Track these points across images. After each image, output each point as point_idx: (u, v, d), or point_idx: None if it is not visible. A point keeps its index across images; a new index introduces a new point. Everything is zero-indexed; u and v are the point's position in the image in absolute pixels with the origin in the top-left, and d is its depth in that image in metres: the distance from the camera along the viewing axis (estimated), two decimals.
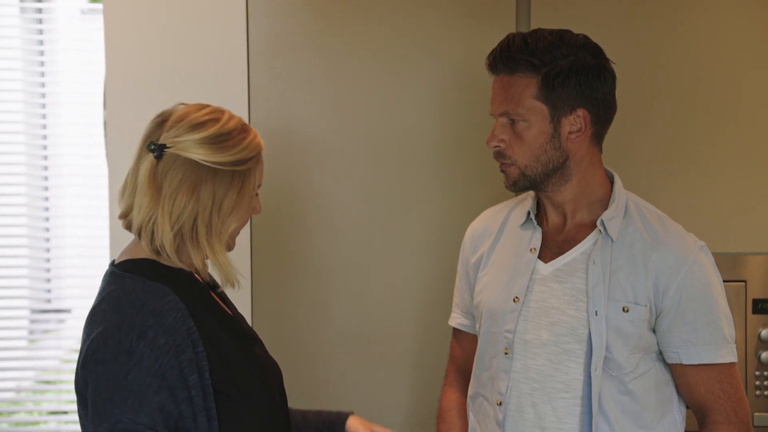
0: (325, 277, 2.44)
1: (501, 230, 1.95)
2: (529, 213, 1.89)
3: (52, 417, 3.36)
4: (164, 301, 1.52)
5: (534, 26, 2.32)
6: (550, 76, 1.73)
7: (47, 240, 3.41)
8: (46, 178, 3.37)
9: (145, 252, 1.59)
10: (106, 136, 2.42)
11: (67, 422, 3.34)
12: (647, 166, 2.36)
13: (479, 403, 1.91)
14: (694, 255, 1.76)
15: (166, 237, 1.55)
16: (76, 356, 3.39)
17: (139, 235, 1.59)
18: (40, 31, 3.30)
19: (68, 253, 3.41)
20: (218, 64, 2.42)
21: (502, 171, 1.82)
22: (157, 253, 1.58)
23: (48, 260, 3.43)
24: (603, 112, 1.79)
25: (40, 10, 3.30)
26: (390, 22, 2.41)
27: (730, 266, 2.28)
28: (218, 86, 2.41)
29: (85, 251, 3.41)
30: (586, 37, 1.79)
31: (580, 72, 1.74)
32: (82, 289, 3.44)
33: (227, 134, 1.58)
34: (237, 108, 2.32)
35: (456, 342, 2.08)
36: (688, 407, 1.85)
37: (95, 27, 3.42)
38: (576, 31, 1.81)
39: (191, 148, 1.56)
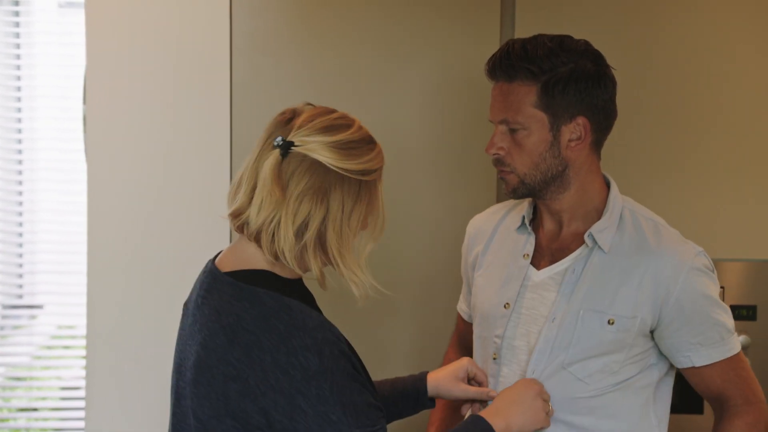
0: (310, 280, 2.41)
1: (494, 231, 1.94)
2: (524, 218, 1.88)
3: (22, 414, 3.32)
4: (314, 316, 1.48)
5: (518, 30, 2.35)
6: (549, 84, 1.71)
7: (20, 235, 3.38)
8: (20, 173, 3.34)
9: (258, 258, 1.51)
10: (85, 131, 2.40)
11: (36, 419, 3.31)
12: (626, 171, 2.29)
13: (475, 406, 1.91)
14: (690, 262, 1.74)
15: (287, 241, 1.47)
16: (47, 352, 3.38)
17: (256, 237, 1.50)
18: (17, 24, 3.28)
19: (41, 248, 3.38)
20: (201, 60, 2.39)
21: (501, 178, 1.80)
22: (276, 257, 1.50)
23: (20, 255, 3.40)
24: (603, 120, 1.77)
25: (17, 3, 3.28)
26: (375, 23, 2.40)
27: None
28: (200, 82, 2.39)
29: (58, 247, 3.38)
30: (586, 43, 1.77)
31: (579, 79, 1.72)
32: (54, 285, 3.42)
33: (357, 142, 1.51)
34: (219, 105, 2.38)
35: (459, 320, 2.10)
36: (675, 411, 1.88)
37: (73, 21, 3.41)
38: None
39: (320, 149, 1.48)
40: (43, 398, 3.37)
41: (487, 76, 1.79)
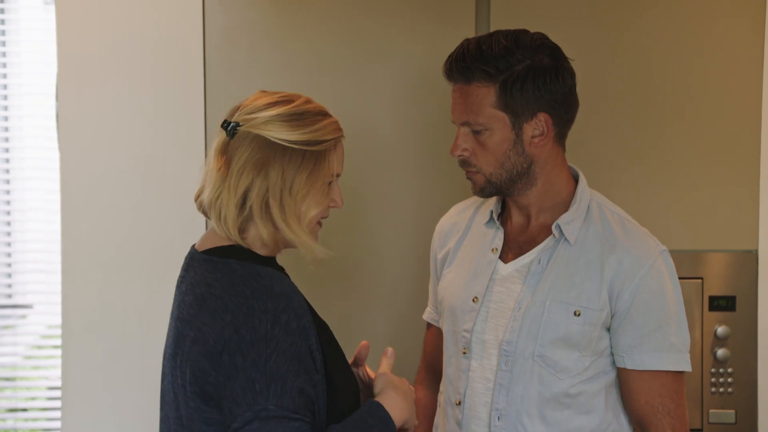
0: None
1: (468, 227, 1.94)
2: (492, 212, 1.88)
3: (10, 414, 3.31)
4: (285, 284, 1.51)
5: (494, 23, 2.35)
6: (507, 84, 1.71)
7: (8, 234, 3.37)
8: (7, 171, 3.33)
9: (222, 236, 1.58)
10: (58, 128, 2.40)
11: (26, 419, 3.29)
12: (603, 161, 2.35)
13: (442, 402, 1.91)
14: (652, 260, 1.73)
15: (230, 214, 1.54)
16: (37, 352, 3.38)
17: (209, 215, 1.59)
18: (2, 21, 3.26)
19: (30, 247, 3.37)
20: (174, 56, 2.39)
21: (469, 178, 1.81)
22: (225, 232, 1.56)
23: (9, 255, 3.38)
24: (564, 113, 1.77)
25: (1, 0, 3.26)
26: (350, 17, 2.39)
27: (687, 263, 2.29)
28: (174, 79, 2.38)
29: (47, 246, 3.37)
30: (542, 37, 1.77)
31: (537, 76, 1.72)
32: (43, 285, 3.40)
33: (301, 114, 1.57)
34: (192, 102, 2.38)
35: (428, 337, 2.07)
36: None
37: None
38: (535, 30, 1.79)
39: (262, 125, 1.55)
40: (33, 398, 3.36)
41: (445, 78, 1.79)
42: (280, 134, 1.54)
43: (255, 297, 1.47)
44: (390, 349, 1.67)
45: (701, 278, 2.31)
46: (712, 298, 2.30)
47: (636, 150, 2.38)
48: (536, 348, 1.73)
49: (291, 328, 1.46)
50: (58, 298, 3.24)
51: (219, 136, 1.58)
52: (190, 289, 1.56)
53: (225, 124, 1.57)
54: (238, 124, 1.56)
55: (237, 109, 1.61)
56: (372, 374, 1.72)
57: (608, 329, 1.75)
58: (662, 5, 2.36)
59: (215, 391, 1.48)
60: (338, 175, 1.63)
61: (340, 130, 1.61)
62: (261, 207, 1.54)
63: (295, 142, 1.54)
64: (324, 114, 1.60)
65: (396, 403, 1.58)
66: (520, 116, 1.73)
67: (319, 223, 1.64)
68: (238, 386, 1.43)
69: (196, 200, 1.63)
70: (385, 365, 1.67)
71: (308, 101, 1.60)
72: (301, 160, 1.55)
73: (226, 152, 1.56)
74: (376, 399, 1.58)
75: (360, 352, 1.74)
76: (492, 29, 2.25)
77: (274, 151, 1.54)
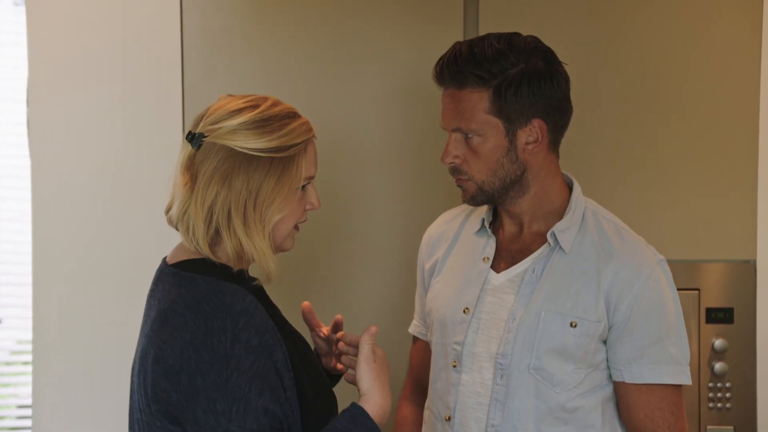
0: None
1: (457, 236, 1.91)
2: (483, 220, 1.86)
3: None
4: (247, 302, 1.48)
5: (483, 25, 2.33)
6: (501, 89, 1.69)
7: None
8: None
9: (191, 249, 1.56)
10: (29, 135, 2.34)
11: None
12: (597, 168, 2.33)
13: (428, 417, 1.88)
14: (650, 269, 1.71)
15: (198, 229, 1.52)
16: (6, 369, 3.29)
17: (179, 230, 1.57)
18: None
19: (1, 259, 3.30)
20: (150, 60, 2.33)
21: (459, 186, 1.79)
22: (196, 248, 1.55)
23: None
24: (559, 118, 1.75)
25: None
26: (333, 19, 2.35)
27: (683, 274, 2.27)
28: (151, 83, 2.34)
29: (17, 257, 3.30)
30: (536, 40, 1.75)
31: (531, 80, 1.70)
32: (13, 298, 3.32)
33: (266, 120, 1.53)
34: (170, 106, 2.35)
35: (414, 351, 2.05)
36: None
37: None
38: (525, 32, 1.78)
39: (227, 134, 1.51)
40: (1, 417, 3.28)
41: (435, 82, 1.77)
42: (246, 143, 1.51)
43: (215, 315, 1.45)
44: (374, 328, 1.62)
45: (698, 289, 2.28)
46: (709, 310, 2.28)
47: (629, 157, 2.34)
48: (532, 360, 1.70)
49: (252, 345, 1.44)
50: (29, 312, 3.20)
51: (184, 149, 1.55)
52: (156, 304, 1.55)
53: (189, 136, 1.54)
54: (203, 135, 1.53)
55: (202, 117, 1.57)
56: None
57: (604, 342, 1.73)
58: (656, 4, 2.34)
59: (178, 412, 1.46)
60: (312, 178, 1.60)
61: (310, 131, 1.58)
62: (226, 219, 1.52)
63: (262, 150, 1.52)
64: (292, 116, 1.57)
65: (381, 399, 1.56)
66: (514, 122, 1.71)
67: (297, 227, 1.61)
68: (200, 408, 1.42)
69: (166, 214, 1.60)
70: (366, 347, 1.60)
71: (275, 103, 1.57)
72: (268, 168, 1.52)
73: (192, 166, 1.53)
74: (362, 402, 1.55)
75: (333, 326, 1.74)
76: (481, 29, 2.31)
77: (240, 161, 1.51)
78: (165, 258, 1.62)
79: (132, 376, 1.60)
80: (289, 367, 1.50)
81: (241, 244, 1.52)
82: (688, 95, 2.34)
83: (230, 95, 1.60)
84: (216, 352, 1.42)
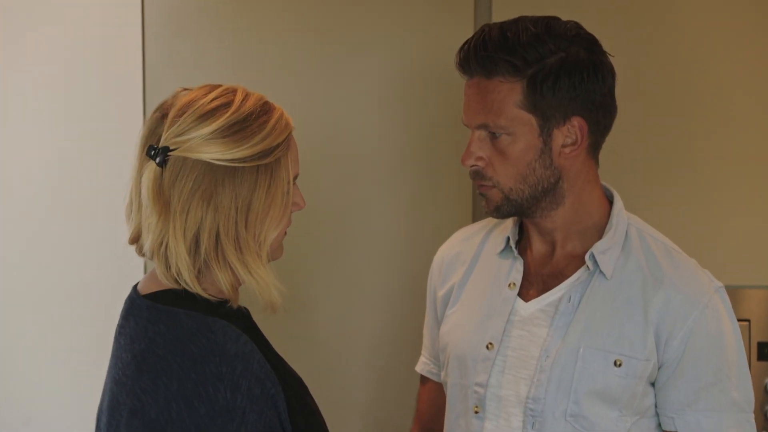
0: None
1: (476, 257, 1.80)
2: (508, 239, 1.75)
3: None
4: (241, 343, 1.38)
5: (496, 11, 2.23)
6: (537, 80, 1.58)
7: None
8: None
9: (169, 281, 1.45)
10: None
11: None
12: (632, 179, 2.21)
13: None
14: (707, 298, 1.60)
15: (182, 261, 1.38)
16: None
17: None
18: None
19: None
20: (108, 45, 2.20)
21: (482, 194, 1.67)
22: (176, 282, 1.41)
23: None
24: (602, 118, 1.64)
25: None
26: (320, 2, 2.23)
27: (730, 302, 2.07)
28: (108, 72, 2.20)
29: None
30: (577, 26, 1.63)
31: (572, 71, 1.59)
32: None
33: (243, 121, 1.40)
34: (130, 97, 2.21)
35: (423, 394, 1.94)
36: None
37: None
38: None
39: (200, 146, 1.37)
40: None
41: (459, 71, 1.66)
42: (225, 154, 1.38)
43: (206, 359, 1.34)
44: None
45: (748, 320, 2.15)
46: (761, 345, 2.15)
47: (667, 164, 2.23)
48: (569, 405, 1.59)
49: (254, 395, 1.34)
50: None
51: (148, 170, 1.38)
52: (128, 344, 1.42)
53: (152, 152, 1.38)
54: (168, 149, 1.37)
55: (159, 121, 1.42)
56: None
57: (653, 384, 1.61)
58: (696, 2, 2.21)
59: None
60: (296, 176, 1.50)
61: (289, 124, 1.46)
62: (214, 247, 1.40)
63: (244, 159, 1.39)
64: (267, 110, 1.44)
65: None
66: (549, 120, 1.59)
67: (284, 233, 1.52)
68: None
69: (133, 242, 1.46)
70: None
71: (246, 98, 1.43)
72: (255, 178, 1.41)
73: (162, 191, 1.38)
74: None
75: None
76: (495, 17, 2.23)
77: (221, 175, 1.38)
78: (135, 286, 1.49)
79: (97, 430, 1.48)
80: (287, 418, 1.41)
81: (235, 275, 1.41)
82: (736, 93, 2.20)
83: (186, 89, 1.46)
84: (215, 404, 1.31)
